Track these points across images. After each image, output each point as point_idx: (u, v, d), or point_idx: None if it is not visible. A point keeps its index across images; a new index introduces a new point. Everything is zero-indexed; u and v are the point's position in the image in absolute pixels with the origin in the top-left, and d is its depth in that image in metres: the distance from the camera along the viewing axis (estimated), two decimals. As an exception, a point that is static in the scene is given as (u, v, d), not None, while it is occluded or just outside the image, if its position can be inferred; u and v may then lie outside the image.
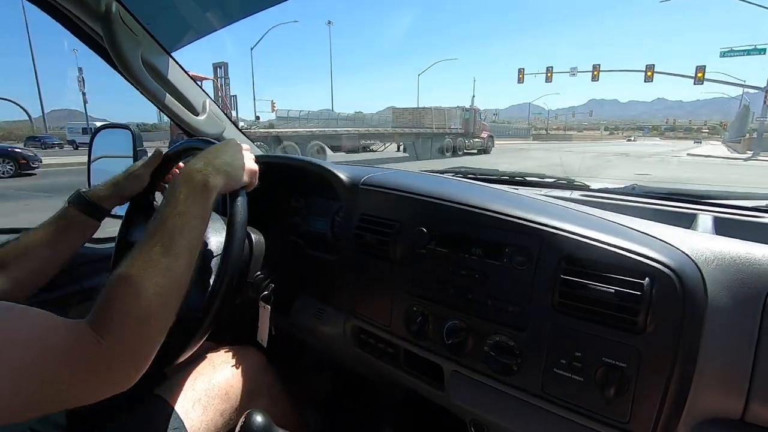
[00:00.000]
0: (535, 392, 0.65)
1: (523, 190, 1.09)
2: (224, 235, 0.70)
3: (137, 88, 1.02)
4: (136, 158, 1.24)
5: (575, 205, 0.79)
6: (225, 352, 0.88)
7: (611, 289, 0.57)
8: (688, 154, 23.35)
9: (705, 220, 0.82)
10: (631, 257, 0.58)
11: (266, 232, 0.95)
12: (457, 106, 22.27)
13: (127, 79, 0.99)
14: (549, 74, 26.45)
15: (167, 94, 1.08)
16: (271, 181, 1.18)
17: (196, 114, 1.18)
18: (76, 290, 1.07)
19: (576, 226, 0.64)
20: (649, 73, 22.68)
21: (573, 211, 0.73)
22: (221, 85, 13.36)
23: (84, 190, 0.75)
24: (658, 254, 0.57)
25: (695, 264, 0.57)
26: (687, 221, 0.86)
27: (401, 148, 20.09)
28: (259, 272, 0.91)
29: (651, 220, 0.80)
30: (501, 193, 0.84)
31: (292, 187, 1.20)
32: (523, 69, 27.67)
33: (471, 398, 0.74)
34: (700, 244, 0.60)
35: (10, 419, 0.39)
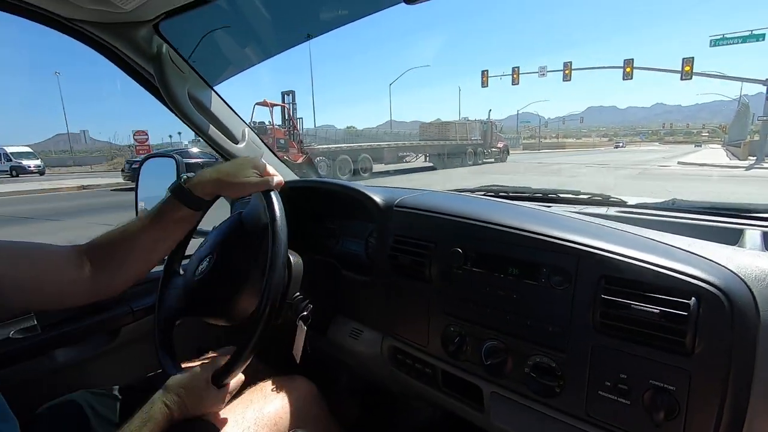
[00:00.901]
0: (580, 415, 0.64)
1: (556, 208, 1.08)
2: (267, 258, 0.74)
3: (183, 121, 1.09)
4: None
5: (611, 222, 0.78)
6: (276, 381, 0.89)
7: (656, 309, 0.56)
8: (678, 163, 20.01)
9: (753, 235, 0.79)
10: (675, 276, 0.57)
11: (303, 253, 0.99)
12: (477, 120, 25.08)
13: (175, 114, 1.07)
14: (515, 75, 24.09)
15: (210, 125, 1.15)
16: (306, 204, 1.23)
17: (236, 142, 1.24)
18: (126, 312, 1.13)
19: (614, 244, 0.64)
20: (628, 69, 20.20)
21: (610, 228, 0.72)
22: (291, 109, 14.77)
23: (185, 177, 0.75)
24: (704, 273, 0.56)
25: (744, 282, 0.55)
26: (733, 237, 0.83)
27: (427, 158, 21.74)
28: (297, 293, 0.94)
29: (693, 236, 0.78)
30: (535, 212, 0.84)
31: (326, 209, 1.23)
32: (487, 71, 25.00)
33: (512, 420, 0.73)
34: (749, 261, 0.58)
35: None
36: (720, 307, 0.53)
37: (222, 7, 1.08)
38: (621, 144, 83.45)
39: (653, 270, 0.59)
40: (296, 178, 1.39)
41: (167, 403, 0.67)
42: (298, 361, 0.91)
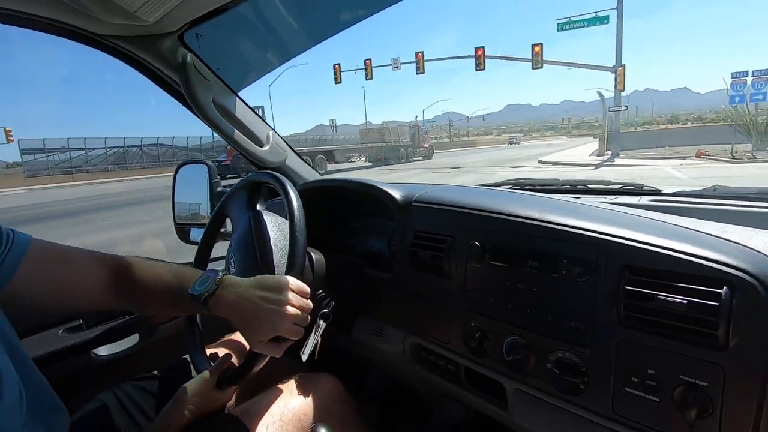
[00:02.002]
0: (606, 413, 0.61)
1: (585, 199, 1.04)
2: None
3: (210, 127, 1.14)
4: (212, 190, 1.38)
5: (642, 211, 0.74)
6: (302, 377, 0.90)
7: (683, 300, 0.53)
8: (539, 162, 18.90)
9: None
10: (704, 264, 0.53)
11: (326, 252, 1.00)
12: (408, 123, 31.10)
13: (201, 119, 1.11)
14: (368, 70, 22.08)
15: (235, 129, 1.19)
16: (329, 203, 1.24)
17: (261, 146, 1.27)
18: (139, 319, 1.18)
19: (638, 233, 0.60)
20: (479, 53, 18.21)
21: (637, 217, 0.69)
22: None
23: (205, 294, 0.68)
24: (737, 260, 0.52)
25: None
26: (781, 223, 0.76)
27: (366, 158, 26.39)
28: (320, 291, 0.96)
29: (734, 223, 0.73)
30: (556, 203, 0.81)
31: (349, 207, 1.24)
32: (339, 65, 22.65)
33: (536, 418, 0.70)
34: (791, 247, 0.54)
35: None
36: (755, 296, 0.49)
37: (243, 14, 1.12)
38: (515, 140, 78.47)
39: (680, 258, 0.55)
40: (319, 177, 1.41)
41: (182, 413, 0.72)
42: (304, 360, 0.92)
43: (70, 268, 0.67)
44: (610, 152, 18.76)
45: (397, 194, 0.98)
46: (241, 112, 1.23)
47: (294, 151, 1.42)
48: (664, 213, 0.74)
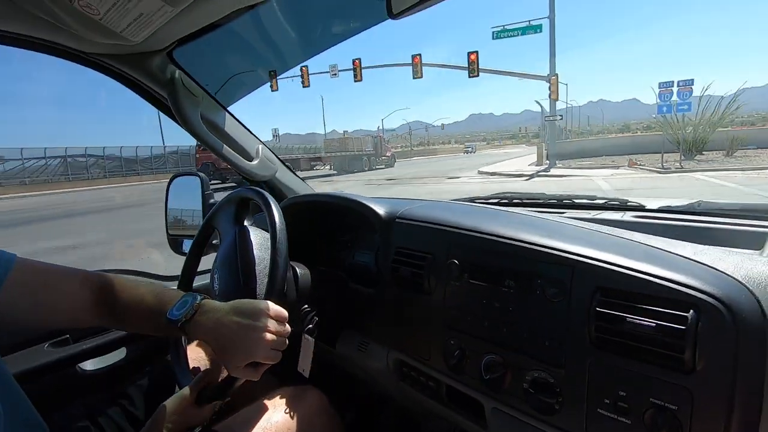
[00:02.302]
0: None
1: (570, 214, 1.04)
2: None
3: (198, 141, 1.15)
4: (204, 202, 1.38)
5: (619, 230, 0.75)
6: (287, 392, 0.90)
7: (651, 323, 0.53)
8: (478, 172, 18.79)
9: None
10: (672, 287, 0.53)
11: (313, 266, 1.00)
12: (372, 133, 32.38)
13: (190, 134, 1.12)
14: (305, 77, 21.16)
15: (224, 144, 1.20)
16: (318, 217, 1.25)
17: (250, 160, 1.28)
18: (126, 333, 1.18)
19: (610, 254, 0.61)
20: (416, 60, 18.23)
21: (611, 236, 0.69)
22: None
23: (182, 319, 0.68)
24: (704, 283, 0.52)
25: (751, 292, 0.51)
26: (761, 241, 0.77)
27: (331, 166, 28.35)
28: (305, 306, 0.96)
29: (718, 241, 0.73)
30: (534, 221, 0.81)
31: (338, 222, 1.25)
32: (275, 71, 22.06)
33: (513, 438, 0.70)
34: (761, 269, 0.54)
35: None
36: (720, 320, 0.49)
37: (232, 30, 1.14)
38: (471, 149, 77.72)
39: (650, 280, 0.55)
40: (311, 191, 1.42)
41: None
42: (306, 375, 0.93)
43: (52, 288, 0.68)
44: (548, 162, 18.87)
45: (381, 210, 0.99)
46: (230, 126, 1.25)
47: (285, 165, 1.43)
48: (644, 231, 0.75)
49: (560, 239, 0.67)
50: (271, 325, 0.67)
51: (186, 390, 0.77)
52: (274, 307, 0.69)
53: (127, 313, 0.73)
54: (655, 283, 0.55)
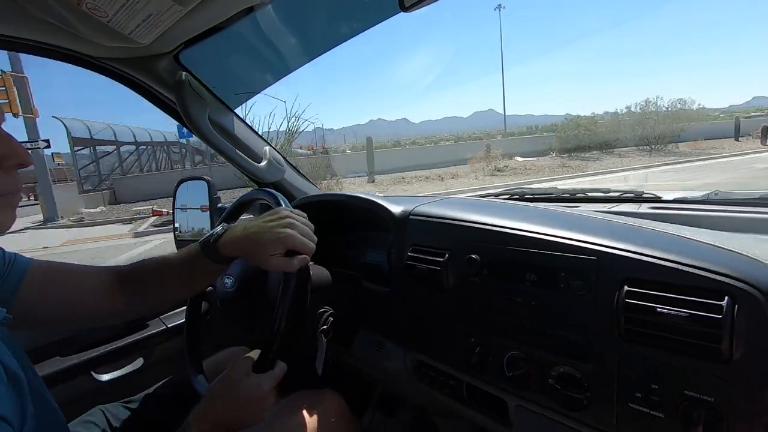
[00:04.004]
0: (610, 430, 0.59)
1: (584, 207, 1.03)
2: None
3: (207, 144, 1.14)
4: (212, 206, 1.38)
5: (637, 220, 0.73)
6: (304, 394, 0.89)
7: (684, 312, 0.51)
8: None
9: None
10: (704, 275, 0.52)
11: (326, 267, 0.99)
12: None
13: (198, 137, 1.11)
14: None
15: (232, 146, 1.19)
16: (327, 217, 1.24)
17: (259, 161, 1.27)
18: (161, 331, 1.18)
19: (636, 244, 0.59)
20: None
21: (636, 227, 0.67)
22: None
23: (215, 235, 0.71)
24: (737, 270, 0.51)
25: None
26: (783, 229, 0.75)
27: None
28: (322, 307, 0.95)
29: (735, 230, 0.71)
30: (554, 214, 0.80)
31: (348, 222, 1.24)
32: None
33: (539, 436, 0.69)
34: (794, 255, 0.53)
35: None
36: (758, 307, 0.48)
37: (238, 31, 1.13)
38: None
39: (679, 269, 0.54)
40: (318, 192, 1.41)
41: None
42: (319, 374, 0.91)
43: (74, 277, 0.69)
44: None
45: (393, 208, 0.98)
46: (237, 128, 1.24)
47: (292, 166, 1.42)
48: (664, 221, 0.73)
49: (583, 231, 0.66)
50: (295, 215, 0.70)
51: (228, 373, 0.67)
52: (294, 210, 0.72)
53: (155, 276, 0.74)
54: (686, 272, 0.54)
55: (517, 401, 0.71)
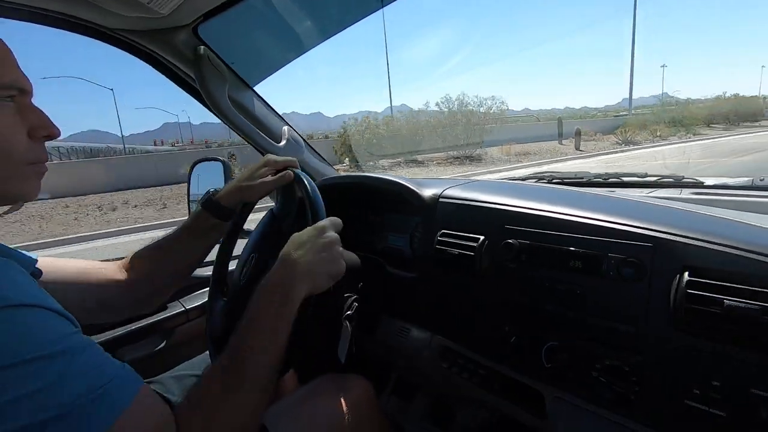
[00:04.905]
0: (661, 427, 0.56)
1: (621, 192, 0.98)
2: None
3: (225, 122, 1.10)
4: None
5: (690, 205, 0.69)
6: (331, 378, 0.87)
7: (755, 305, 0.47)
8: None
9: None
10: None
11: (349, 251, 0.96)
12: None
13: (216, 115, 1.08)
14: None
15: (251, 125, 1.15)
16: (347, 200, 1.20)
17: (278, 141, 1.24)
18: (180, 312, 1.17)
19: (697, 230, 0.55)
20: None
21: (692, 212, 0.63)
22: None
23: (213, 190, 0.81)
24: None
25: None
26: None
27: None
28: (347, 292, 0.92)
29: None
30: (598, 198, 0.76)
31: (368, 204, 1.20)
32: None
33: (580, 430, 0.65)
34: None
35: None
36: None
37: (257, 5, 1.08)
38: None
39: (748, 258, 0.50)
40: (336, 174, 1.37)
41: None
42: (342, 362, 0.89)
43: (79, 281, 0.69)
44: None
45: (421, 190, 0.94)
46: (256, 107, 1.20)
47: (310, 147, 1.38)
48: (712, 207, 0.69)
49: (636, 216, 0.61)
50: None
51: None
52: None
53: (161, 249, 0.77)
54: (756, 260, 0.49)
55: (556, 393, 0.68)
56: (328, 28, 1.23)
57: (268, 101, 1.24)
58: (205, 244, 0.81)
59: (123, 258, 0.78)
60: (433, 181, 0.99)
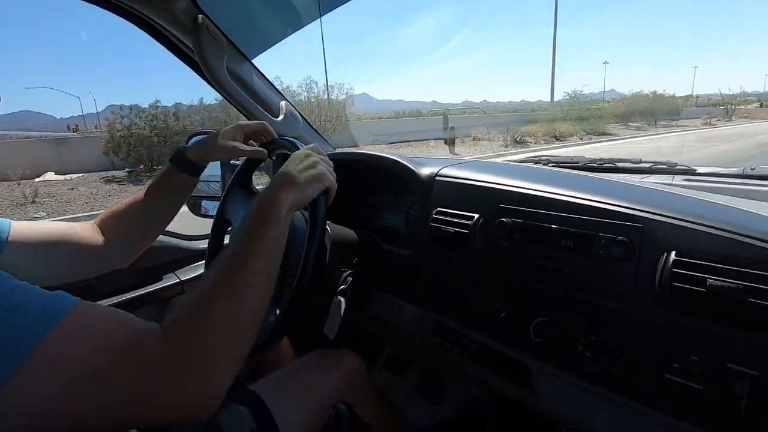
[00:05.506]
0: (642, 399, 0.58)
1: (614, 177, 0.99)
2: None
3: (222, 95, 1.09)
4: (224, 162, 1.34)
5: (680, 189, 0.70)
6: (323, 353, 0.88)
7: (737, 284, 0.49)
8: None
9: None
10: (761, 246, 0.50)
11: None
12: None
13: (214, 87, 1.06)
14: None
15: (249, 98, 1.14)
16: (343, 177, 1.20)
17: (276, 116, 1.23)
18: (176, 283, 1.18)
19: (685, 213, 0.57)
20: None
21: (681, 196, 0.65)
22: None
23: (183, 147, 0.79)
24: None
25: None
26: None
27: None
28: (342, 266, 0.93)
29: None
30: (589, 180, 0.77)
31: (365, 182, 1.21)
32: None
33: (565, 402, 0.68)
34: None
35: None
36: None
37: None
38: None
39: (736, 240, 0.51)
40: (333, 150, 1.37)
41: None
42: (332, 337, 0.90)
43: (54, 242, 0.68)
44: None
45: (418, 168, 0.95)
46: (254, 80, 1.18)
47: (307, 122, 1.37)
48: (701, 192, 0.70)
49: (626, 197, 0.63)
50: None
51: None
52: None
53: (136, 204, 0.75)
54: (743, 242, 0.51)
55: (543, 367, 0.70)
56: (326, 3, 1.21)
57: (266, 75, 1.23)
58: (172, 200, 0.80)
59: (96, 216, 0.77)
60: (430, 160, 1.00)
